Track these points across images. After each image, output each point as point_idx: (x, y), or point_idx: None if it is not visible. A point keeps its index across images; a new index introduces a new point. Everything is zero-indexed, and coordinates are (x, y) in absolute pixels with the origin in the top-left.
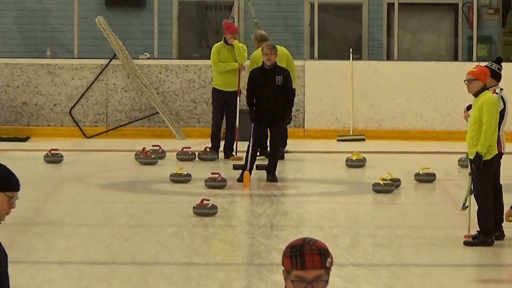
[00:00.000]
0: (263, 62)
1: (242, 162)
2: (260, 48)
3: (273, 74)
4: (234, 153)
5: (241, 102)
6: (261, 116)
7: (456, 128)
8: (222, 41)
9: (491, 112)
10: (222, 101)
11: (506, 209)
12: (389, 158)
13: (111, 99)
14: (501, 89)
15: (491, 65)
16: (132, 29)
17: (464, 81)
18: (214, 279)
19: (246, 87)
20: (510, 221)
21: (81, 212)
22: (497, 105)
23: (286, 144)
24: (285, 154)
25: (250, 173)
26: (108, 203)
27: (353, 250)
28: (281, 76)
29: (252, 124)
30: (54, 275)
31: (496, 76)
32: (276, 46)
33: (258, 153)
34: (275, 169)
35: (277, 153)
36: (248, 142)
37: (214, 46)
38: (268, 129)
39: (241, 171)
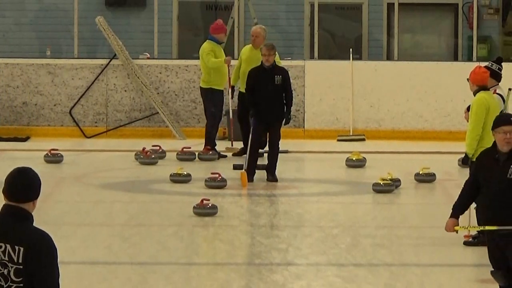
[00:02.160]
0: (262, 61)
1: (242, 162)
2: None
3: (272, 73)
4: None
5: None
6: (260, 116)
7: (456, 128)
8: (210, 41)
9: (476, 113)
10: (222, 101)
11: None
12: (389, 158)
13: (111, 99)
14: (510, 89)
15: (491, 65)
16: (132, 29)
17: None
18: (214, 279)
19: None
20: (454, 231)
21: (81, 212)
22: (484, 106)
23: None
24: (285, 154)
25: (253, 173)
26: (108, 203)
27: (353, 250)
28: (280, 76)
29: (252, 122)
30: None
31: (497, 76)
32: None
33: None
34: (275, 169)
35: (276, 153)
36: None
37: (207, 46)
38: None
39: (245, 170)
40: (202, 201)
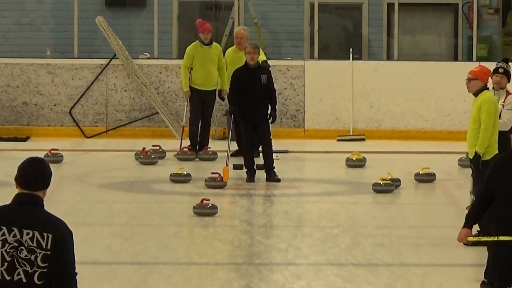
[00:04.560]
0: (246, 61)
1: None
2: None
3: (259, 73)
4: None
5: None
6: (246, 115)
7: (456, 128)
8: (198, 42)
9: (489, 111)
10: (200, 100)
11: None
12: (389, 158)
13: (111, 99)
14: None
15: (507, 67)
16: (132, 29)
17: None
18: (214, 279)
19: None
20: (467, 241)
21: (81, 212)
22: (495, 105)
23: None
24: (285, 154)
25: (254, 173)
26: (108, 203)
27: (353, 250)
28: (266, 75)
29: (232, 120)
30: None
31: (509, 76)
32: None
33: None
34: (273, 168)
35: (270, 153)
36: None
37: (189, 47)
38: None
39: (246, 171)
40: (202, 201)
